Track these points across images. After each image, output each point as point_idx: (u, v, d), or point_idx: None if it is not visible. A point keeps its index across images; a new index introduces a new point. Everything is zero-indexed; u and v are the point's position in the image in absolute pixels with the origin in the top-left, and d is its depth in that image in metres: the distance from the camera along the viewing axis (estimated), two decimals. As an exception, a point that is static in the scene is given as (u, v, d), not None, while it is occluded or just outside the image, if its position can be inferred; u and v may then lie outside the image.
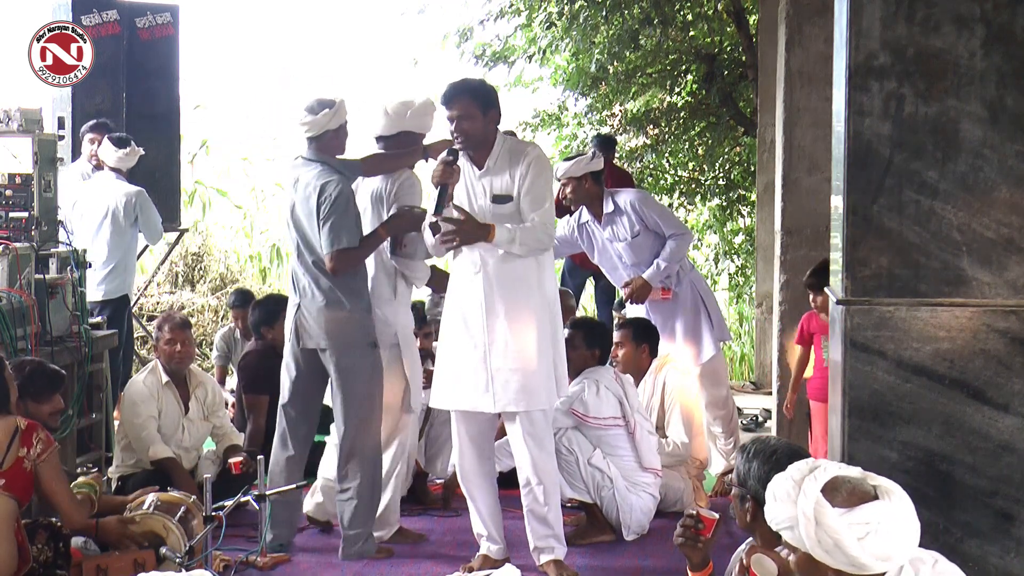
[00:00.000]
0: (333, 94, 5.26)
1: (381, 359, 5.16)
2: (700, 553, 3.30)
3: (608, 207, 6.29)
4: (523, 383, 4.77)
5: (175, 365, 5.94)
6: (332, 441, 5.40)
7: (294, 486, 5.24)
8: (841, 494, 2.49)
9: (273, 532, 5.22)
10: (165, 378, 5.89)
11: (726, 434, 6.38)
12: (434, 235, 4.81)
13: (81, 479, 4.77)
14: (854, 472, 2.55)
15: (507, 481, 5.24)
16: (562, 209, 6.34)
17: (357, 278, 5.16)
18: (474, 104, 4.76)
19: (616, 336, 6.10)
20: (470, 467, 4.95)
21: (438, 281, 5.38)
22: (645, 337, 6.11)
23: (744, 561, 2.73)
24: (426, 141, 5.37)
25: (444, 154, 4.79)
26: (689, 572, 3.36)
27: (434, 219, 4.77)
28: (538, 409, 4.85)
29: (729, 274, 13.26)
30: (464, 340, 4.83)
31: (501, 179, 4.81)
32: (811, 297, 5.82)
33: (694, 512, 3.31)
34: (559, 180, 6.27)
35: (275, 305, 6.80)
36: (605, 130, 12.78)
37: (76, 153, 7.84)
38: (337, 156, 5.21)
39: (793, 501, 2.52)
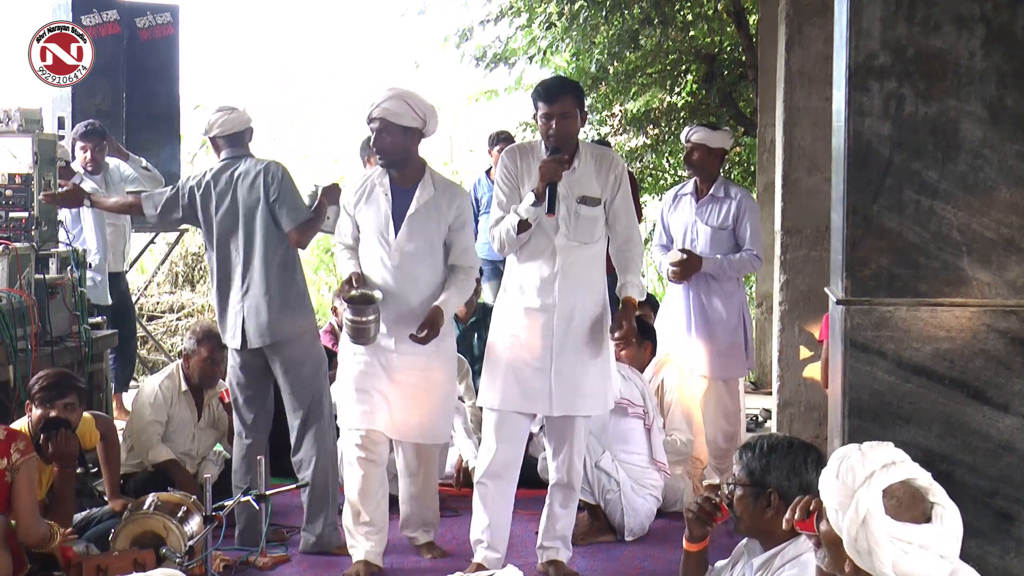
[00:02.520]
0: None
1: (322, 349, 5.25)
2: (704, 532, 3.35)
3: (718, 191, 6.21)
4: (583, 387, 4.75)
5: (205, 382, 5.90)
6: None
7: (294, 486, 5.24)
8: (897, 502, 2.42)
9: (244, 525, 5.26)
10: (184, 386, 5.87)
11: (726, 452, 6.26)
12: (519, 233, 4.66)
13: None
14: (923, 479, 2.48)
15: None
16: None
17: (295, 269, 5.21)
18: (575, 103, 4.71)
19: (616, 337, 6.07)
20: (502, 468, 4.80)
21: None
22: (646, 335, 6.12)
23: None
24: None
25: (550, 152, 4.68)
26: (685, 541, 3.40)
27: (548, 218, 4.65)
28: (588, 415, 4.87)
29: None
30: (529, 341, 4.74)
31: (588, 181, 4.75)
32: None
33: (716, 500, 3.33)
34: (687, 143, 6.26)
35: None
36: (605, 130, 12.79)
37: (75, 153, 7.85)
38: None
39: (853, 489, 2.45)
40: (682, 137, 6.47)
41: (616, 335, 4.76)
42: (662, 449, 5.62)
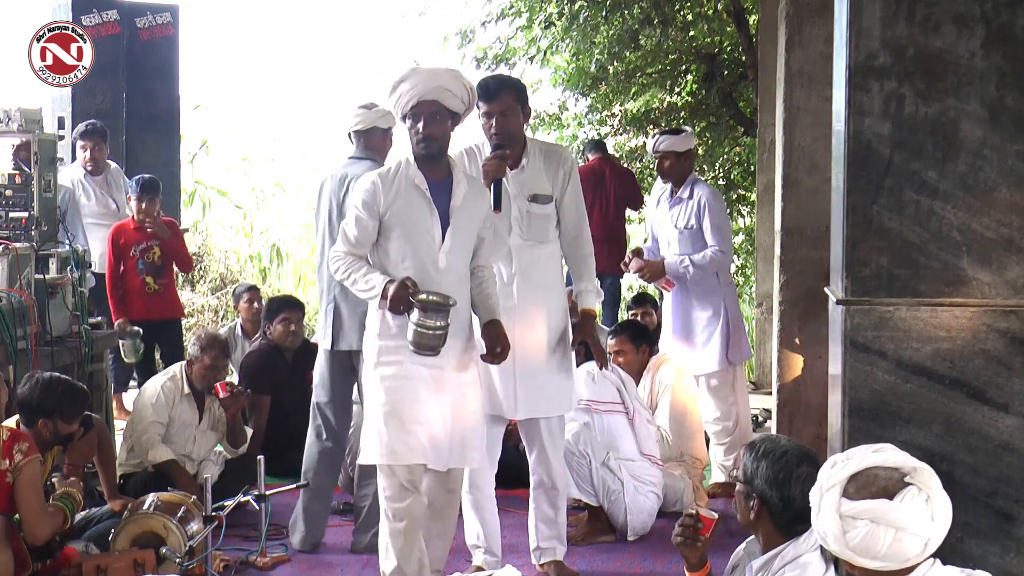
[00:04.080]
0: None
1: None
2: (698, 553, 3.31)
3: (684, 192, 6.30)
4: (546, 389, 4.72)
5: (207, 388, 5.88)
6: None
7: (293, 486, 5.25)
8: (856, 485, 2.50)
9: (305, 529, 5.23)
10: (187, 389, 5.87)
11: (726, 448, 6.31)
12: None
13: (60, 490, 4.58)
14: (907, 465, 2.53)
15: (502, 481, 5.18)
16: None
17: None
18: (515, 100, 4.64)
19: (613, 344, 6.07)
20: (478, 473, 4.76)
21: None
22: (643, 338, 6.12)
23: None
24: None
25: (492, 151, 4.63)
26: (686, 572, 3.37)
27: (494, 214, 4.58)
28: (558, 415, 4.84)
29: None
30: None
31: (538, 179, 4.70)
32: None
33: (693, 512, 3.32)
34: (655, 154, 6.34)
35: (279, 303, 6.89)
36: (605, 130, 12.80)
37: (75, 153, 7.85)
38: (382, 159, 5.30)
39: (819, 482, 2.54)
40: (649, 148, 6.54)
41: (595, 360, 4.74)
42: (650, 441, 5.60)
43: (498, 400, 4.71)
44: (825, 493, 2.52)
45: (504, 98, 4.62)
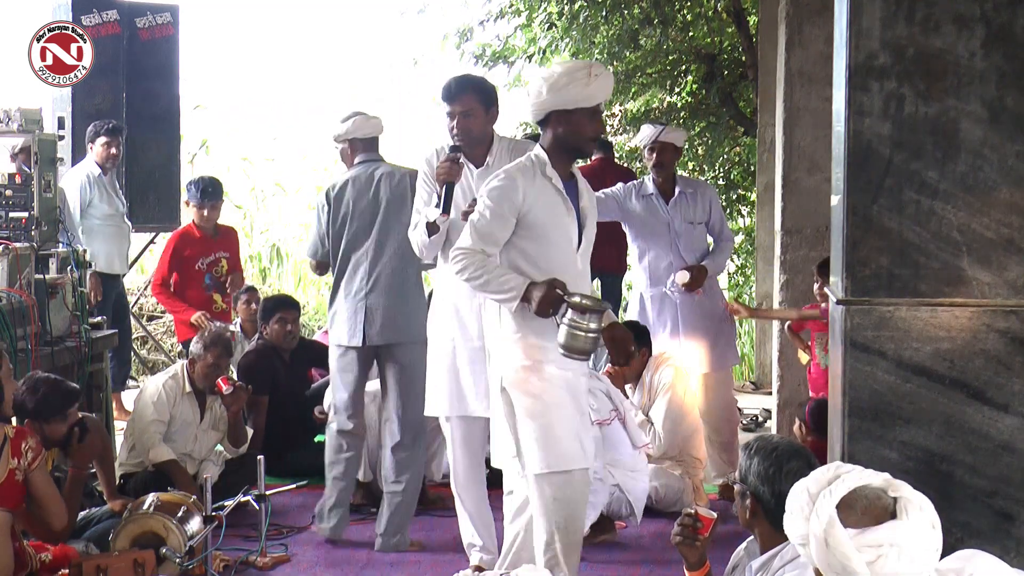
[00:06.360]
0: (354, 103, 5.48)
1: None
2: (697, 552, 3.31)
3: (688, 188, 6.32)
4: None
5: (209, 387, 5.87)
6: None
7: (293, 486, 5.25)
8: (856, 512, 2.42)
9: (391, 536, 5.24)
10: (188, 388, 5.85)
11: (729, 443, 6.33)
12: (430, 235, 4.64)
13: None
14: (876, 480, 2.48)
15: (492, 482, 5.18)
16: None
17: (420, 274, 5.26)
18: (477, 101, 4.66)
19: None
20: (464, 473, 4.79)
21: None
22: (641, 340, 6.11)
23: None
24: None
25: (448, 151, 4.67)
26: (686, 572, 3.37)
27: (443, 218, 4.60)
28: None
29: (729, 274, 13.25)
30: (459, 345, 4.70)
31: None
32: (818, 285, 5.88)
33: (692, 511, 3.32)
34: (655, 144, 6.26)
35: (274, 303, 6.88)
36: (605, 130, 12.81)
37: (76, 153, 7.83)
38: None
39: (806, 518, 2.47)
40: (645, 138, 6.35)
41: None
42: (638, 431, 5.62)
43: (471, 399, 4.70)
44: (829, 529, 2.43)
45: (465, 99, 4.65)
